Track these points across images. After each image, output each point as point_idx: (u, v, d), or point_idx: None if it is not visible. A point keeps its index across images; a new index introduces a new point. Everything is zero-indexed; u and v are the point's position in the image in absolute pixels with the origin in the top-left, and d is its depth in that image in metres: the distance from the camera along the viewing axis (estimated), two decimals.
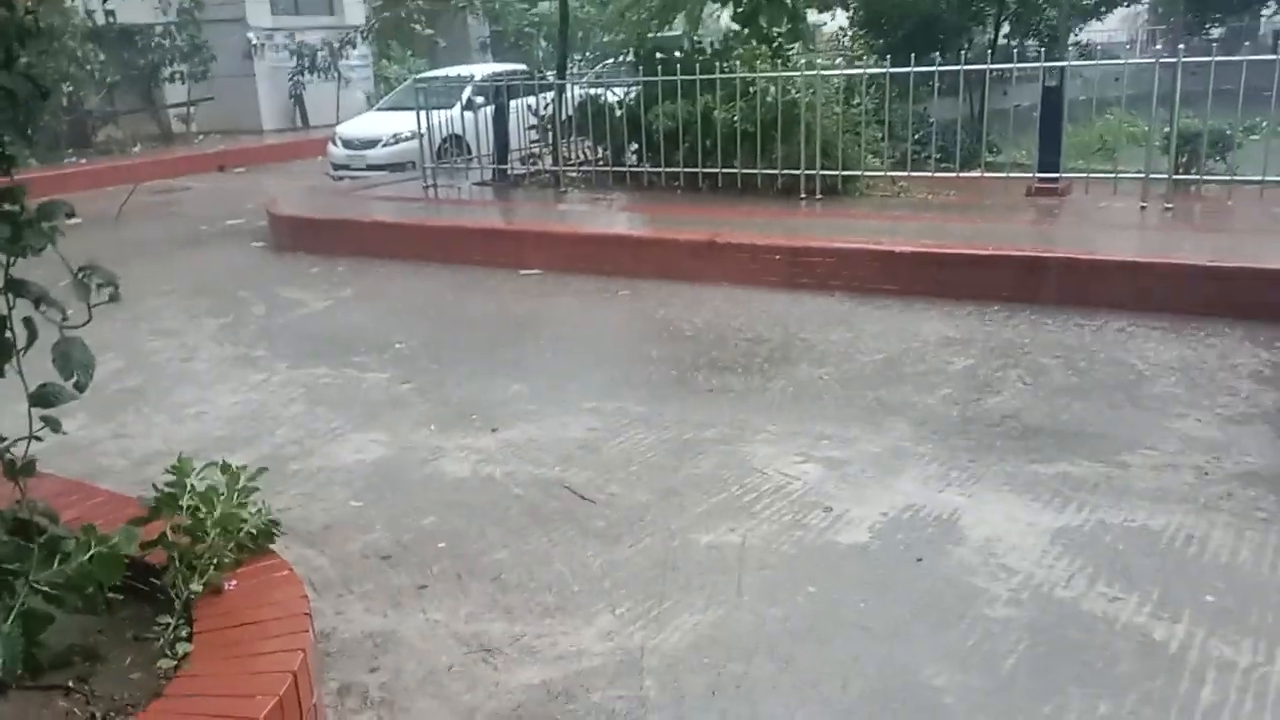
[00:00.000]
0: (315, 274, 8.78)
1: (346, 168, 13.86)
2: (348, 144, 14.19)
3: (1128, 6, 15.86)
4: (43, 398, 2.59)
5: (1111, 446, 4.42)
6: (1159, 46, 9.50)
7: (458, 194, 11.04)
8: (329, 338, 6.81)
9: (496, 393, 5.48)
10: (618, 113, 10.79)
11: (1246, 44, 12.68)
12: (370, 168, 13.52)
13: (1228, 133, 9.12)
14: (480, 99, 11.92)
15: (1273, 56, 7.78)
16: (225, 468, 2.98)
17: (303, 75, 21.23)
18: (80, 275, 2.53)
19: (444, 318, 7.30)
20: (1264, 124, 9.05)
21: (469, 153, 11.90)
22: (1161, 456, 4.31)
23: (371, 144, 13.87)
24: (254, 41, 21.03)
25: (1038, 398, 5.07)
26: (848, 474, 4.27)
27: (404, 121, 12.76)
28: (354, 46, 21.49)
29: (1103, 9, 15.41)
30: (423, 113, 11.07)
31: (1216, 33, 14.81)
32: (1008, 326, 6.27)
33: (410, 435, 4.94)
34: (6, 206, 2.51)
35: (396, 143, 13.49)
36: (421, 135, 11.15)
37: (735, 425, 4.85)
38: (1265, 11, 15.09)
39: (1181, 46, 8.23)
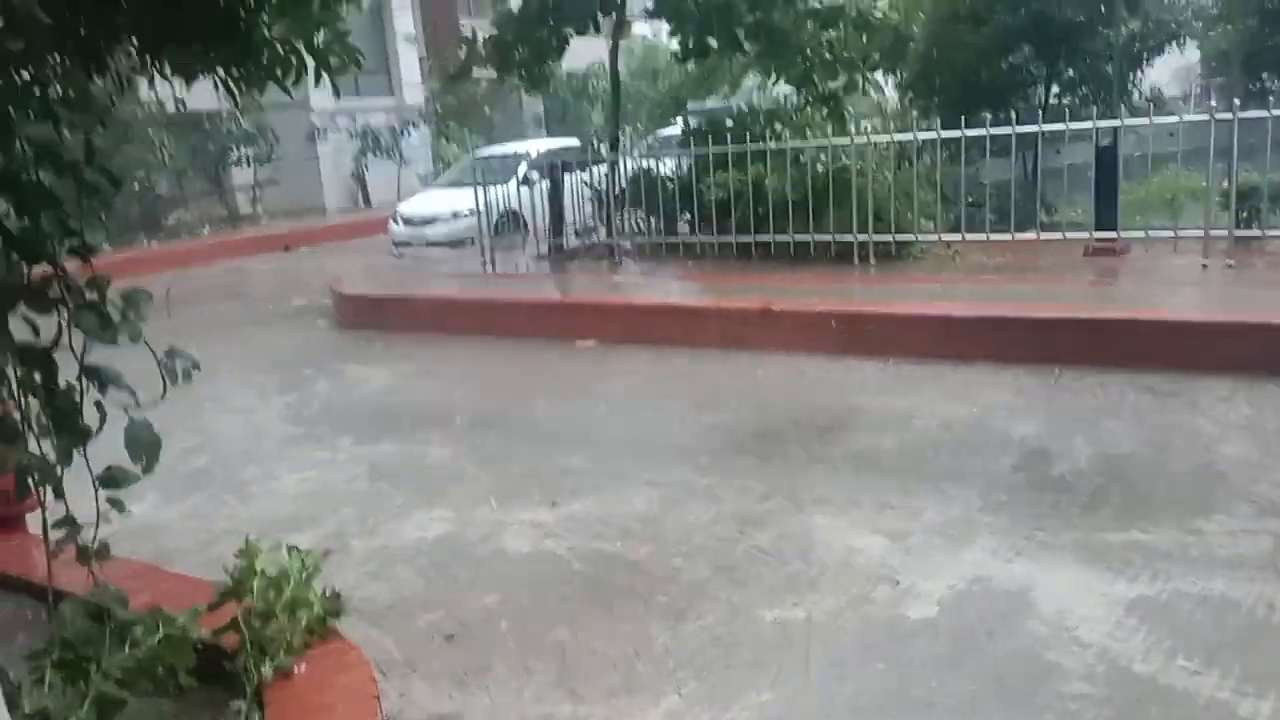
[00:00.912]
0: (378, 350, 8.96)
1: (407, 245, 14.20)
2: (408, 221, 14.56)
3: (1179, 47, 15.73)
4: (109, 480, 2.69)
5: (1184, 512, 4.31)
6: (1213, 102, 9.46)
7: (515, 268, 11.23)
8: (392, 413, 6.93)
9: (556, 466, 5.51)
10: (670, 184, 10.95)
11: None
12: (431, 244, 13.84)
13: None
14: (535, 174, 12.19)
15: None
16: (292, 550, 3.04)
17: (365, 156, 21.92)
18: (164, 359, 2.63)
19: (503, 391, 7.39)
20: None
21: (526, 228, 12.13)
22: (1237, 522, 4.19)
23: (431, 221, 14.21)
24: (317, 125, 21.79)
25: (1105, 463, 4.96)
26: (913, 545, 4.21)
27: (462, 198, 13.07)
28: (415, 127, 22.17)
29: (1153, 54, 15.26)
30: (480, 189, 11.34)
31: (1274, 85, 14.67)
32: (1071, 390, 6.17)
33: (472, 511, 4.98)
34: (90, 296, 2.64)
35: (455, 219, 13.81)
36: (480, 212, 11.40)
37: (796, 496, 4.82)
38: None
39: (1236, 101, 8.14)
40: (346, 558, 4.41)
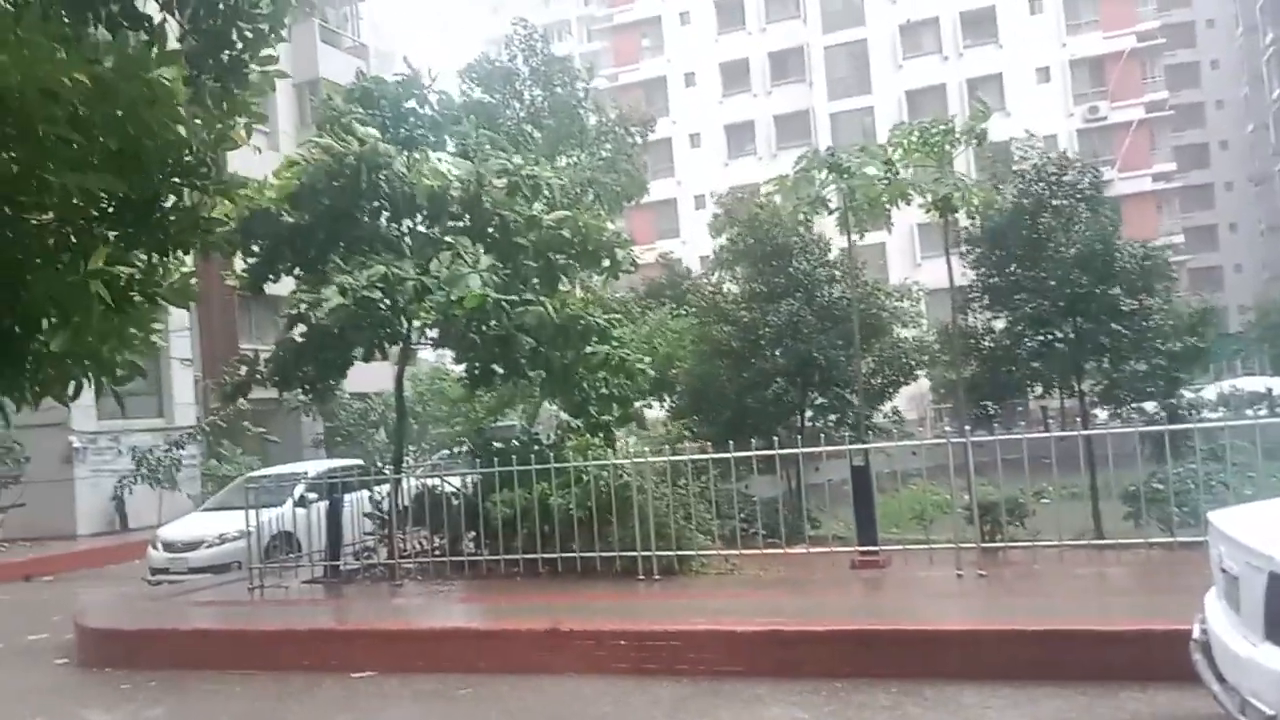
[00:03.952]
0: (124, 692, 8.03)
1: (166, 572, 13.24)
2: (169, 546, 13.67)
3: (911, 379, 17.96)
4: None
5: None
6: (948, 426, 10.66)
7: (285, 594, 10.60)
8: None
9: None
10: (455, 502, 10.88)
11: (1021, 423, 14.56)
12: (193, 570, 12.95)
13: (1021, 500, 9.98)
14: (313, 495, 11.84)
15: (1046, 434, 8.76)
16: None
17: (129, 478, 20.80)
18: None
19: None
20: (1050, 489, 9.96)
21: (300, 550, 11.60)
22: None
23: (195, 546, 13.40)
24: (76, 445, 20.57)
25: None
26: None
27: (231, 521, 12.46)
28: (184, 448, 21.39)
29: (890, 390, 17.40)
30: (251, 511, 10.86)
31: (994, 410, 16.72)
32: (853, 705, 6.25)
33: None
34: None
35: (222, 543, 13.08)
36: (249, 534, 10.85)
37: None
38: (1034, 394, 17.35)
39: (968, 427, 9.16)
40: None
